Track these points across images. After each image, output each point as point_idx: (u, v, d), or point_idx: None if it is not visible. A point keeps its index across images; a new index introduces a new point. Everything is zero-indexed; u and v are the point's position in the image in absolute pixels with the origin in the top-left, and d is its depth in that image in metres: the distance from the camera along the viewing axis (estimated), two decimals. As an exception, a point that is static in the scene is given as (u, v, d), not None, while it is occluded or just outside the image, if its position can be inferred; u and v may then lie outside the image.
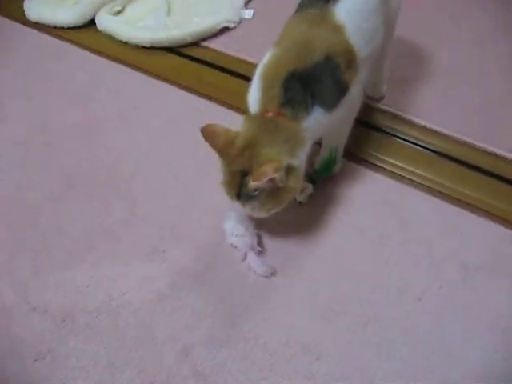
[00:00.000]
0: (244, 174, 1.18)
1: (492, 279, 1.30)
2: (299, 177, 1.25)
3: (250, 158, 1.18)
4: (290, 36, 1.30)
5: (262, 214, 1.26)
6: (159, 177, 1.55)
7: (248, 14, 2.09)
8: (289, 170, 1.19)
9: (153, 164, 1.58)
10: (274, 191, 1.19)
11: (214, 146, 1.22)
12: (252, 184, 1.14)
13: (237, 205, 1.25)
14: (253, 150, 1.18)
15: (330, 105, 1.25)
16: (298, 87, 1.21)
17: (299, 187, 1.29)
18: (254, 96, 1.26)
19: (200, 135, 1.60)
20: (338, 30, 1.27)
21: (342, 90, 1.27)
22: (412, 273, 1.32)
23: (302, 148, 1.23)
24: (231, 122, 1.66)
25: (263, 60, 1.29)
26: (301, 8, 1.35)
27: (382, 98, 1.71)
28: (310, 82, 1.22)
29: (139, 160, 1.60)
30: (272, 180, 1.14)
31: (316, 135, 1.30)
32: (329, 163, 1.46)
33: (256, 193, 1.19)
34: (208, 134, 1.22)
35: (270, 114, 1.21)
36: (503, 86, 1.76)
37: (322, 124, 1.26)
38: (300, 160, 1.23)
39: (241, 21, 2.06)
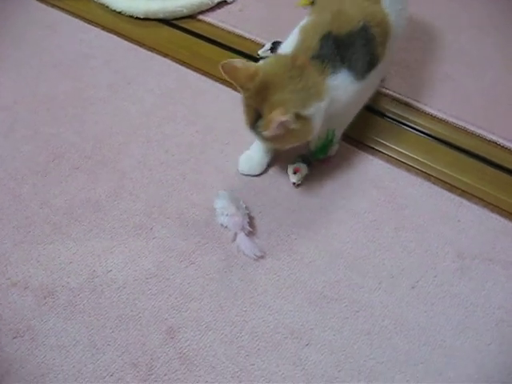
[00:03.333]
0: (258, 115, 1.21)
1: (488, 269, 1.25)
2: (310, 128, 1.23)
3: (262, 100, 1.19)
4: (328, 1, 1.31)
5: (277, 147, 1.34)
6: (149, 151, 1.47)
7: (247, -12, 2.01)
8: (299, 118, 1.19)
9: (143, 138, 1.51)
10: (284, 134, 1.19)
11: (235, 80, 1.21)
12: (265, 133, 1.18)
13: (253, 133, 1.26)
14: (266, 92, 1.19)
15: (358, 72, 1.26)
16: (333, 47, 1.23)
17: (312, 136, 1.28)
18: (289, 42, 1.27)
19: (193, 111, 1.57)
20: None
21: (372, 62, 1.28)
22: (406, 260, 1.27)
23: (318, 101, 1.22)
24: (225, 98, 1.61)
25: (300, 24, 1.30)
26: None
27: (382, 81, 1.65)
28: (343, 45, 1.23)
29: (129, 133, 1.52)
30: (280, 126, 1.15)
31: (335, 103, 1.27)
32: (325, 145, 1.40)
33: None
34: (228, 69, 1.20)
35: (300, 61, 1.21)
36: (508, 73, 1.70)
37: (345, 90, 1.26)
38: (312, 112, 1.21)
39: (239, -5, 1.98)
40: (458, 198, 1.38)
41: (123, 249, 1.28)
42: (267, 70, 1.21)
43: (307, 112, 1.20)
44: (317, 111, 1.22)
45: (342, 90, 1.26)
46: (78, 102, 1.61)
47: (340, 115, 1.34)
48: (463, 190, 1.40)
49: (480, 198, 1.38)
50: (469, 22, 1.86)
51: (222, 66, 1.19)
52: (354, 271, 1.25)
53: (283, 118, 1.13)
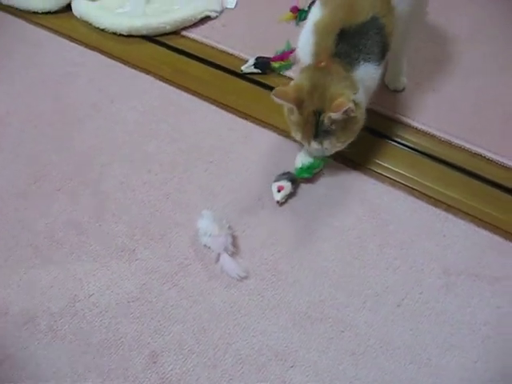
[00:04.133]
0: (319, 114, 1.26)
1: (474, 285, 1.24)
2: (362, 111, 1.31)
3: (320, 97, 1.26)
4: None
5: (338, 148, 1.33)
6: (132, 171, 1.46)
7: (231, 3, 2.00)
8: (355, 105, 1.25)
9: (125, 157, 1.49)
10: (345, 124, 1.27)
11: (288, 100, 1.27)
12: (333, 115, 1.23)
13: (313, 146, 1.30)
14: (320, 91, 1.26)
15: (375, 59, 1.31)
16: (348, 43, 1.28)
17: (364, 120, 1.33)
18: (306, 48, 1.33)
19: (177, 128, 1.56)
20: None
21: (384, 50, 1.33)
22: (391, 277, 1.25)
23: (356, 90, 1.29)
24: (208, 115, 1.60)
25: (311, 18, 1.34)
26: None
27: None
28: (357, 37, 1.28)
29: (112, 153, 1.51)
30: (346, 110, 1.22)
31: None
32: (313, 165, 1.40)
33: (333, 127, 1.26)
34: (280, 95, 1.27)
35: (323, 64, 1.28)
36: (492, 84, 1.69)
37: (370, 79, 1.33)
38: (359, 98, 1.29)
39: (223, 10, 1.97)
40: (443, 213, 1.37)
41: (105, 272, 1.26)
42: (307, 79, 1.29)
43: (358, 99, 1.28)
44: (361, 99, 1.30)
45: (368, 79, 1.33)
46: (59, 120, 1.60)
47: None
48: (449, 205, 1.39)
49: (466, 213, 1.37)
50: (457, 33, 1.85)
51: (275, 95, 1.25)
52: (339, 290, 1.23)
53: (350, 103, 1.21)
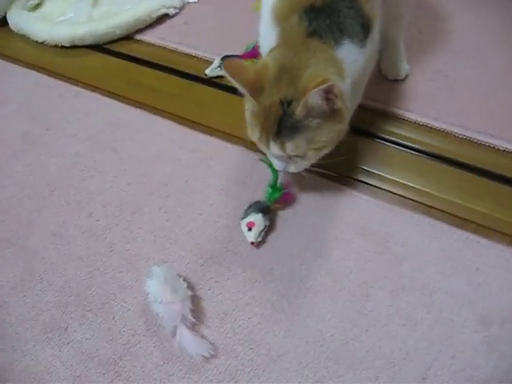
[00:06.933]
0: (286, 103, 0.89)
1: (526, 338, 0.87)
2: (346, 114, 0.93)
3: (291, 82, 0.89)
4: None
5: (308, 159, 0.94)
6: (67, 218, 1.11)
7: (193, -5, 1.65)
8: (340, 94, 0.89)
9: (61, 200, 1.14)
10: (324, 120, 0.89)
11: (243, 82, 0.90)
12: (310, 97, 0.84)
13: (273, 149, 0.92)
14: (293, 73, 0.90)
15: (358, 39, 0.96)
16: (321, 18, 0.94)
17: (348, 122, 0.95)
18: (270, 41, 0.97)
19: (126, 157, 1.20)
20: None
21: (366, 24, 0.97)
22: (411, 337, 0.89)
23: (343, 77, 0.93)
24: (165, 133, 1.25)
25: (266, 6, 1.01)
26: None
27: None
28: (332, 13, 0.95)
29: (44, 196, 1.15)
30: (330, 90, 0.84)
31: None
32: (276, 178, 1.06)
33: (306, 121, 0.88)
34: (233, 70, 0.90)
35: (298, 40, 0.93)
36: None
37: (353, 64, 0.96)
38: (347, 88, 0.93)
39: (183, 5, 1.61)
40: (472, 237, 1.00)
41: (28, 363, 0.91)
42: (275, 59, 0.92)
43: (344, 86, 0.92)
44: (347, 90, 0.93)
45: (351, 63, 0.96)
46: (-19, 162, 1.25)
47: None
48: (478, 224, 1.02)
49: (502, 233, 1.01)
50: (462, 6, 1.46)
51: (225, 66, 0.90)
52: (341, 363, 0.87)
53: (335, 84, 0.85)
